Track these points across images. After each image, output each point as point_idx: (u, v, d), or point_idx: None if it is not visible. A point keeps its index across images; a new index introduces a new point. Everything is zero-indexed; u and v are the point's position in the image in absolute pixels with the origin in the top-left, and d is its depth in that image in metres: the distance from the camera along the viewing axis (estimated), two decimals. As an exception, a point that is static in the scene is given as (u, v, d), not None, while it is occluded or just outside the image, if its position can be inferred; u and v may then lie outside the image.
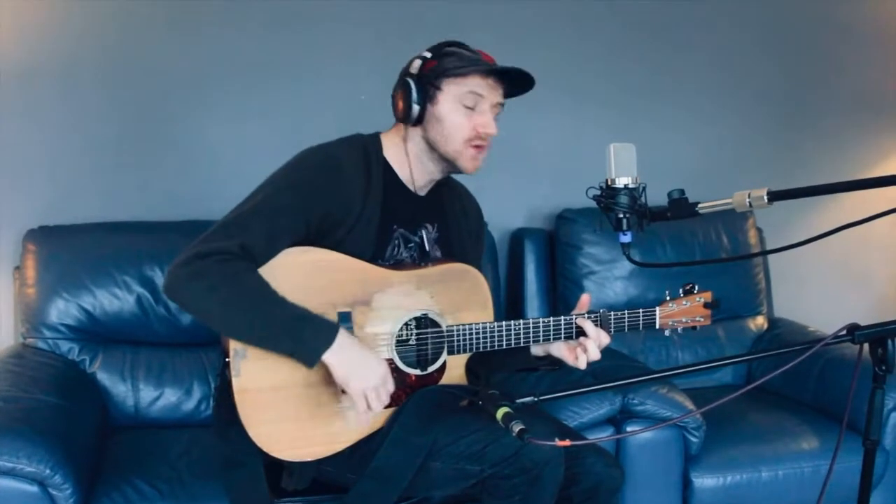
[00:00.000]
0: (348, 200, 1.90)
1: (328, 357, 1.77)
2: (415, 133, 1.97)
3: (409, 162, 2.00)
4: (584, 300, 2.02)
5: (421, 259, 2.03)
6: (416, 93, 1.91)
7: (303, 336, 1.77)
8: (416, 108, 1.91)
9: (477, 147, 1.94)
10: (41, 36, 2.79)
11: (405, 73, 1.95)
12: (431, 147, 1.96)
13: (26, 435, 2.04)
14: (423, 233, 2.05)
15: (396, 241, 1.99)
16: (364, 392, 1.81)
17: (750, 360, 3.14)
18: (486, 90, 1.92)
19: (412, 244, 2.02)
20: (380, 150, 2.00)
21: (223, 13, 2.92)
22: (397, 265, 1.97)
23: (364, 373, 1.80)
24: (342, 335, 1.78)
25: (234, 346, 1.80)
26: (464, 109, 1.92)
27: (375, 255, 1.95)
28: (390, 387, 1.84)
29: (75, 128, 2.87)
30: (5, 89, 2.78)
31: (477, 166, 1.97)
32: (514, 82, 1.97)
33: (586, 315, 1.99)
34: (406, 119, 1.94)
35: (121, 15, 2.85)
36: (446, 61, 1.91)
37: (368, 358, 1.82)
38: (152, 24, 2.88)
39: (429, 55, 1.94)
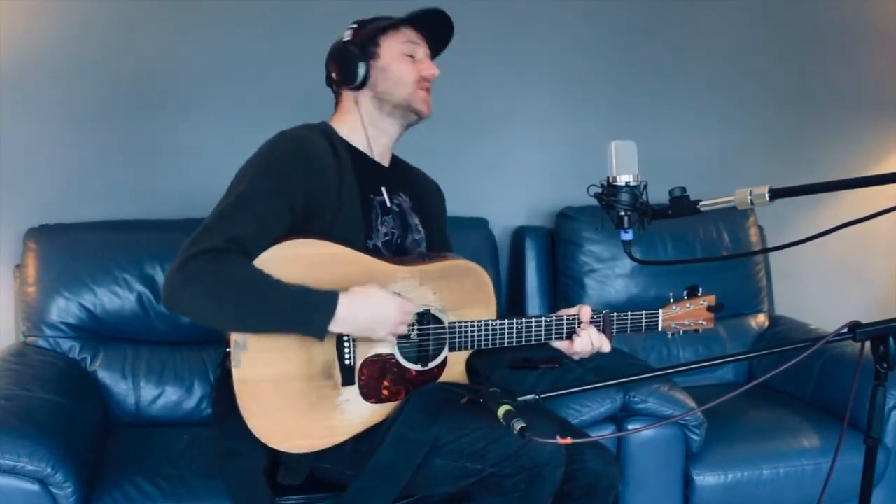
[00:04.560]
0: (324, 178, 1.91)
1: (335, 327, 1.78)
2: (363, 96, 2.03)
3: (365, 128, 2.05)
4: (585, 313, 2.01)
5: (403, 228, 2.06)
6: (357, 54, 1.99)
7: (305, 312, 1.77)
8: (361, 66, 1.99)
9: (425, 90, 2.03)
10: (41, 35, 2.79)
11: (338, 45, 2.04)
12: (383, 102, 2.02)
13: (27, 433, 2.04)
14: (399, 200, 2.09)
15: (376, 210, 2.01)
16: (390, 335, 1.84)
17: (751, 357, 3.14)
18: (417, 39, 2.04)
19: (390, 214, 2.04)
20: (334, 131, 2.05)
21: (223, 12, 2.92)
22: (401, 259, 1.97)
23: (380, 322, 1.81)
24: (343, 302, 1.78)
25: (234, 336, 1.80)
26: (405, 58, 2.02)
27: (368, 230, 1.97)
28: (411, 309, 1.86)
29: (76, 126, 2.87)
30: (5, 88, 2.78)
31: (430, 108, 2.05)
32: (437, 41, 2.09)
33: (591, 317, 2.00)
34: (352, 81, 2.00)
35: (121, 13, 2.84)
36: (375, 23, 2.02)
37: (376, 307, 1.81)
38: (152, 22, 2.87)
39: (356, 26, 2.04)
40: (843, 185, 1.51)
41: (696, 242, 3.18)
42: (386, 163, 2.12)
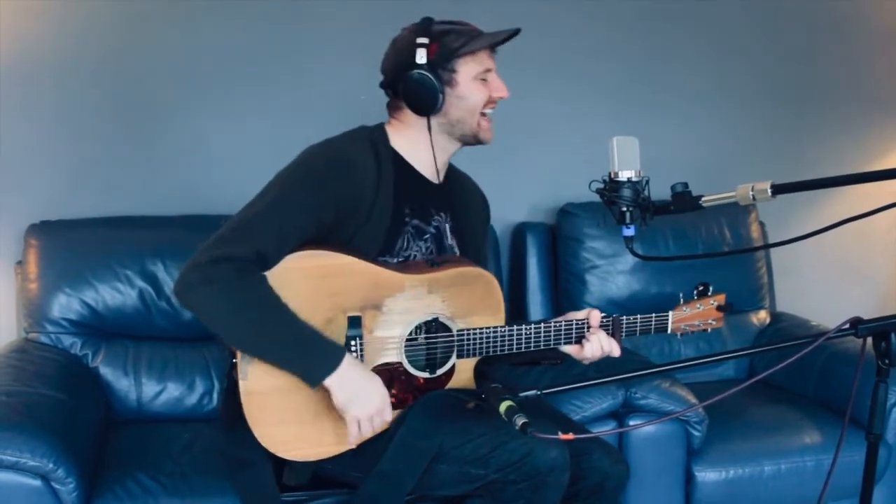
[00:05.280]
0: (360, 195, 1.89)
1: (330, 382, 1.77)
2: (434, 121, 1.96)
3: (429, 149, 1.98)
4: (595, 317, 2.00)
5: (439, 251, 2.03)
6: (437, 82, 1.90)
7: (308, 358, 1.77)
8: (440, 97, 1.91)
9: (486, 116, 1.98)
10: (41, 32, 2.78)
11: (410, 65, 1.90)
12: (454, 128, 1.97)
13: (29, 430, 2.04)
14: (439, 222, 2.04)
15: (409, 234, 1.98)
16: (358, 420, 1.82)
17: (752, 353, 3.13)
18: (489, 61, 1.98)
19: (427, 235, 2.01)
20: (387, 141, 1.99)
21: (224, 10, 2.92)
22: (408, 267, 1.96)
23: (362, 402, 1.80)
24: (347, 361, 1.78)
25: None
26: (480, 83, 1.95)
27: (385, 249, 1.94)
28: (387, 416, 1.85)
29: (76, 123, 2.86)
30: (6, 85, 2.77)
31: (492, 134, 2.01)
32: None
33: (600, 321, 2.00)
34: (432, 110, 1.92)
35: (120, 10, 2.84)
36: (448, 41, 1.92)
37: (369, 386, 1.82)
38: (152, 18, 2.87)
39: (426, 40, 1.91)
40: (845, 180, 1.51)
41: (697, 238, 3.17)
42: (440, 178, 2.07)
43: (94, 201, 2.85)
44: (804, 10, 3.47)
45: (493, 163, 3.15)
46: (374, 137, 1.98)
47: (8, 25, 2.74)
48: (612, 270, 3.08)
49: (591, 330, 1.98)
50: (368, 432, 1.84)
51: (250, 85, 2.98)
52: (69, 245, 2.66)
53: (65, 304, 2.60)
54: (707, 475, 2.59)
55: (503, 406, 1.49)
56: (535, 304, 3.12)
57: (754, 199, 1.53)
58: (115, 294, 2.64)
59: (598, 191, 1.68)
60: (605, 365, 2.18)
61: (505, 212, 3.20)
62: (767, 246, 3.30)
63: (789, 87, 3.51)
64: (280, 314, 1.76)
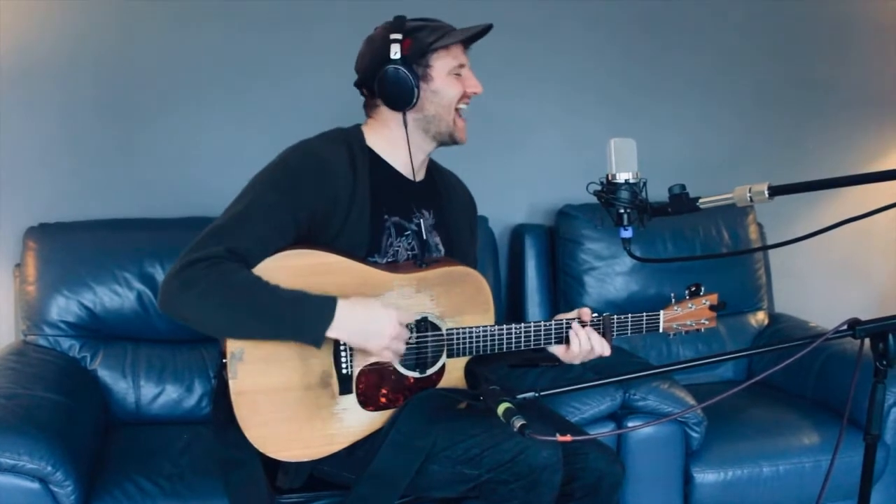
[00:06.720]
0: (335, 194, 1.89)
1: (333, 333, 1.77)
2: (409, 116, 1.96)
3: (406, 146, 1.98)
4: (585, 313, 2.00)
5: (420, 248, 2.02)
6: (412, 77, 1.91)
7: (301, 320, 1.76)
8: (416, 91, 1.91)
9: (461, 115, 1.99)
10: (40, 35, 2.78)
11: (384, 61, 1.91)
12: (430, 124, 1.97)
13: (28, 432, 2.04)
14: (420, 220, 2.04)
15: (389, 231, 1.98)
16: (385, 349, 1.83)
17: (751, 354, 3.14)
18: (463, 56, 1.98)
19: (408, 232, 2.01)
20: (363, 140, 2.00)
21: (221, 12, 2.92)
22: (396, 267, 1.96)
23: (376, 334, 1.80)
24: (342, 306, 1.77)
25: (230, 348, 1.79)
26: (454, 78, 1.96)
27: (371, 247, 1.94)
28: (405, 334, 1.85)
29: (74, 125, 2.86)
30: (5, 87, 2.77)
31: (466, 134, 2.02)
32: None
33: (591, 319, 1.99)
34: (407, 104, 1.93)
35: (119, 13, 2.84)
36: (422, 36, 1.93)
37: (374, 317, 1.80)
38: (151, 22, 2.87)
39: (399, 36, 1.92)
40: (843, 182, 1.51)
41: (695, 240, 3.17)
42: (420, 176, 2.07)
43: (92, 204, 2.85)
44: (802, 11, 3.47)
45: (492, 164, 3.16)
46: (350, 138, 1.99)
47: (8, 25, 2.75)
48: (611, 272, 3.09)
49: (580, 323, 1.97)
50: (402, 350, 1.86)
51: (248, 87, 2.98)
52: (67, 248, 2.66)
53: (63, 307, 2.61)
54: (706, 476, 2.59)
55: (501, 408, 1.48)
56: (534, 305, 3.11)
57: (752, 200, 1.53)
58: (114, 296, 2.64)
59: (596, 193, 1.68)
60: (603, 366, 2.19)
61: (503, 213, 3.20)
62: (766, 247, 3.30)
63: (788, 88, 3.52)
64: (261, 290, 1.75)
